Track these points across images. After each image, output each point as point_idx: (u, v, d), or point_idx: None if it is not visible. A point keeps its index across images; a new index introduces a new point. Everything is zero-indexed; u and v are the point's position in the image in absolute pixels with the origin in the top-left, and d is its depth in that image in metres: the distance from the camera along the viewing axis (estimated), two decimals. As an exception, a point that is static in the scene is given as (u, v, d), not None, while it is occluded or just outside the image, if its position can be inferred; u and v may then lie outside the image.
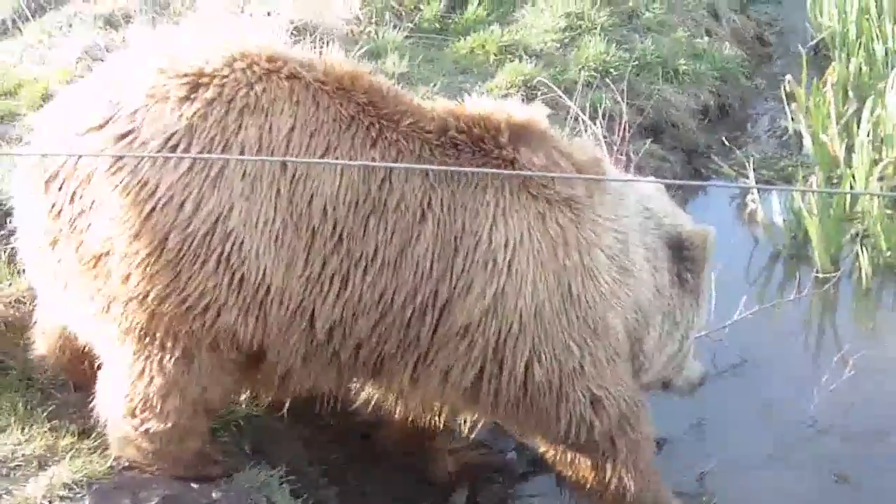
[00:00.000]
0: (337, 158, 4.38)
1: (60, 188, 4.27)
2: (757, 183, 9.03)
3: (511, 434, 5.80)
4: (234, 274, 4.29)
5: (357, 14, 9.56)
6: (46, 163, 4.31)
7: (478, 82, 9.12)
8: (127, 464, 4.73)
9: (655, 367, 5.29)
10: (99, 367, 4.72)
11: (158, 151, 4.15)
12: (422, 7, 10.37)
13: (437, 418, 5.44)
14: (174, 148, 4.17)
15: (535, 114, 4.96)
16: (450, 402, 5.11)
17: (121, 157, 4.16)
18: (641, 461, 5.09)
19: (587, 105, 8.51)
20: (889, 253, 8.44)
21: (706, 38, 11.50)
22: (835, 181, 9.09)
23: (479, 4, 10.57)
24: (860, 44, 11.02)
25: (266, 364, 4.65)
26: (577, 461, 5.09)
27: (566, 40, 10.17)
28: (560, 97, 8.52)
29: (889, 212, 8.67)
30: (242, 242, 4.25)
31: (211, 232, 4.22)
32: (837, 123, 9.58)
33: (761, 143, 10.54)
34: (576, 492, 5.29)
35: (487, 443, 6.05)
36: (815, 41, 12.11)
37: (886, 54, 10.80)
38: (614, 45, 10.14)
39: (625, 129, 8.48)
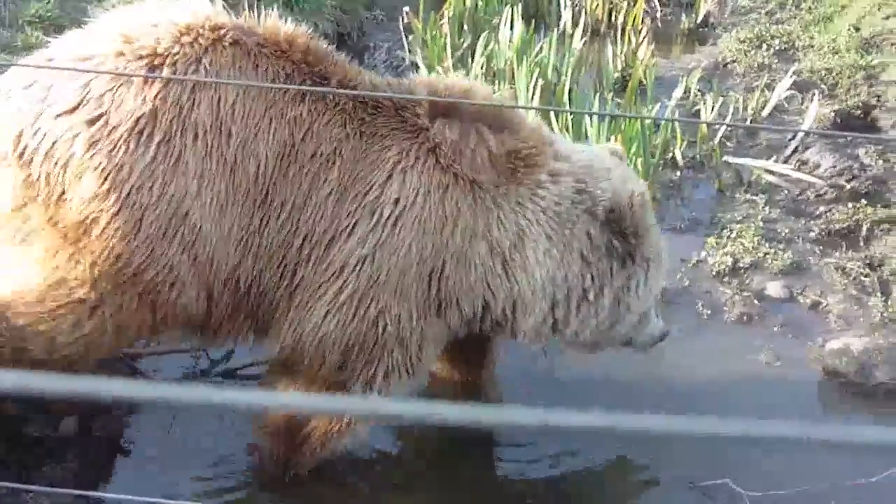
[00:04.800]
0: (272, 116, 4.68)
1: (34, 163, 4.51)
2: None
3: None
4: (191, 255, 4.63)
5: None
6: (22, 138, 4.53)
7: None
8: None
9: (572, 339, 5.30)
10: None
11: (128, 136, 4.46)
12: None
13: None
14: (141, 132, 4.48)
15: (471, 88, 5.07)
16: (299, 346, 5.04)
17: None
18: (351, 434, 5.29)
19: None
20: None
21: (327, -33, 11.24)
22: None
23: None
24: (476, -21, 11.18)
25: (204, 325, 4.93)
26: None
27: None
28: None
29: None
30: (196, 223, 4.60)
31: (174, 215, 4.56)
32: (453, 56, 9.67)
33: (379, 72, 10.39)
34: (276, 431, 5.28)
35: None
36: (433, -25, 12.16)
37: (501, -9, 11.02)
38: (231, -35, 9.64)
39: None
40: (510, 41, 9.58)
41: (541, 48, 9.58)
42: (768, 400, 6.17)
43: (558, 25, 10.78)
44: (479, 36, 9.79)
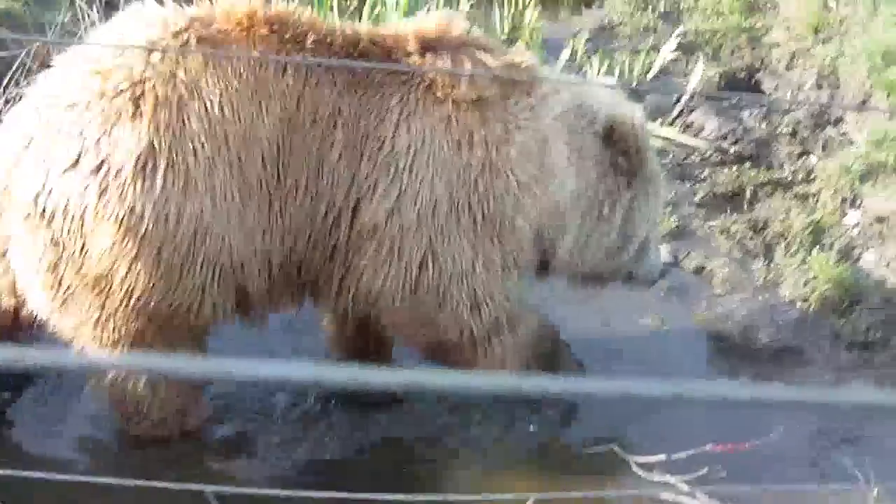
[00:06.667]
0: (261, 98, 4.66)
1: (55, 222, 4.57)
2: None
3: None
4: (215, 268, 4.69)
5: None
6: (38, 200, 4.58)
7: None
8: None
9: (588, 265, 5.40)
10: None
11: (133, 174, 4.49)
12: None
13: None
14: (144, 166, 4.50)
15: (450, 23, 5.05)
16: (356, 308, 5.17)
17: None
18: (510, 362, 5.26)
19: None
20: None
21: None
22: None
23: None
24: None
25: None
26: (449, 356, 5.20)
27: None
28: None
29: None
30: (219, 234, 4.63)
31: (194, 237, 4.60)
32: (340, 17, 9.45)
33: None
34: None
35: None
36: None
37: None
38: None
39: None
40: (398, 2, 9.43)
41: (428, 9, 9.44)
42: (653, 363, 6.21)
43: (446, -14, 10.65)
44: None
